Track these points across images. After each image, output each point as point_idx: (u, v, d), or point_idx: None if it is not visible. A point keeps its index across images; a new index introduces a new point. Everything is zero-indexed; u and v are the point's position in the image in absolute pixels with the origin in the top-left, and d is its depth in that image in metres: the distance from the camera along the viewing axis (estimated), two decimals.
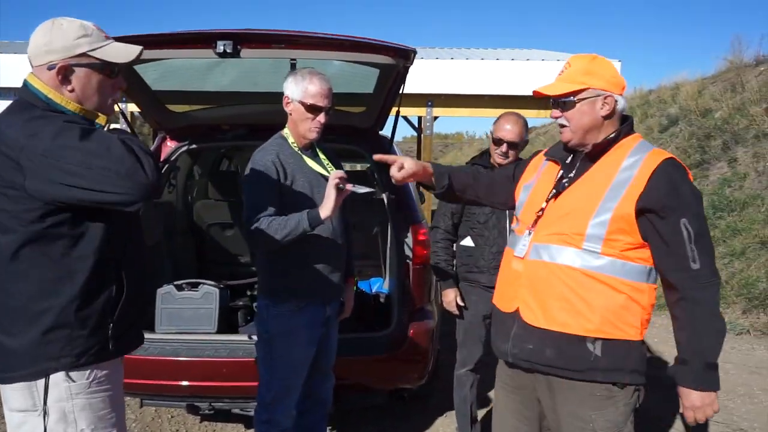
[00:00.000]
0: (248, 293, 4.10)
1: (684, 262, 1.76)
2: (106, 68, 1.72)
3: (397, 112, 3.45)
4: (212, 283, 3.62)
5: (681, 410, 1.84)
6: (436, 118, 9.73)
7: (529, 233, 1.94)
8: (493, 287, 3.16)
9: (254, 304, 3.93)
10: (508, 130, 3.09)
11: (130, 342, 1.85)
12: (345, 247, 2.74)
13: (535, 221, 1.94)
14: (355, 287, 3.33)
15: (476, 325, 3.29)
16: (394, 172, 2.13)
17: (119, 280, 1.73)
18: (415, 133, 12.69)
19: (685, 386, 1.78)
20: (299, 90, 2.48)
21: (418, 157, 12.15)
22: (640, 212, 1.77)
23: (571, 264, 1.82)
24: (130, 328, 1.80)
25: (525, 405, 2.04)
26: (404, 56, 2.76)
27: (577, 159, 1.96)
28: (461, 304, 3.27)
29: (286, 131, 2.61)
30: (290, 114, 2.55)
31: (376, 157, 2.25)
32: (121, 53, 1.73)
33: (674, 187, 1.76)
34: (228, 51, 2.61)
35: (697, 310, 1.77)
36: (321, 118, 2.51)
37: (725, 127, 10.15)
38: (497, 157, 3.15)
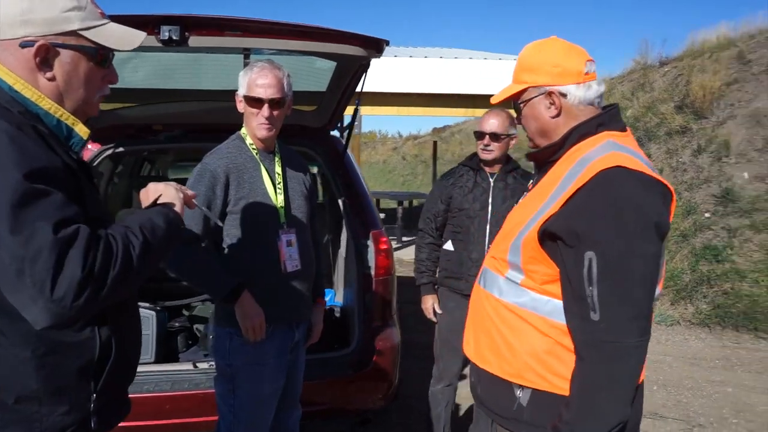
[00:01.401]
0: (185, 312, 3.67)
1: (582, 307, 1.34)
2: (98, 55, 1.32)
3: (355, 111, 3.18)
4: (147, 305, 3.19)
5: None
6: (359, 115, 9.54)
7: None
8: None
9: (194, 326, 3.52)
10: (489, 122, 2.96)
11: (117, 413, 1.45)
12: (314, 264, 2.43)
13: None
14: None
15: (455, 335, 3.08)
16: None
17: (104, 335, 1.33)
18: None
19: None
20: (245, 82, 2.17)
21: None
22: (548, 236, 1.41)
23: (496, 295, 1.55)
24: (117, 395, 1.41)
25: None
26: (375, 47, 2.48)
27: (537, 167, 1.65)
28: (438, 311, 3.10)
29: (243, 131, 2.27)
30: (243, 112, 2.22)
31: None
32: (122, 38, 1.34)
33: (593, 206, 1.34)
34: (174, 38, 2.24)
35: (584, 374, 1.35)
36: (265, 111, 2.14)
37: (637, 125, 10.57)
38: (481, 153, 3.00)
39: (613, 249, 1.31)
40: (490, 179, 3.04)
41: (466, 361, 3.19)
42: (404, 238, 10.61)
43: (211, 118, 3.28)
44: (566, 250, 1.37)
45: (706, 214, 7.51)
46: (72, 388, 1.30)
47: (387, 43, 2.49)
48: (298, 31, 2.38)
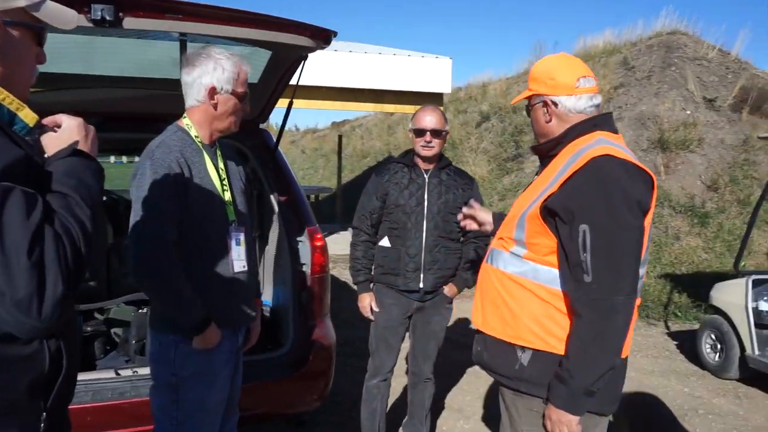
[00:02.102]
0: (98, 316, 3.40)
1: (577, 272, 1.58)
2: (42, 34, 1.22)
3: (289, 104, 3.07)
4: None
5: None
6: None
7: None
8: (411, 291, 3.04)
9: (112, 331, 3.27)
10: (429, 119, 2.95)
11: None
12: (257, 263, 2.32)
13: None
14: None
15: (390, 331, 3.08)
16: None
17: (53, 347, 1.19)
18: None
19: (551, 403, 1.64)
20: (229, 77, 2.01)
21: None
22: (548, 212, 1.65)
23: (502, 268, 1.80)
24: (64, 413, 1.26)
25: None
26: (324, 38, 2.40)
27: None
28: (376, 309, 3.06)
29: (187, 122, 2.09)
30: (214, 107, 2.05)
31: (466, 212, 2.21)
32: (63, 17, 1.22)
33: (585, 187, 1.59)
34: (107, 18, 2.04)
35: (580, 329, 1.59)
36: (247, 106, 2.07)
37: None
38: (422, 150, 2.98)
39: (602, 221, 1.55)
40: (425, 175, 3.05)
41: (400, 357, 3.22)
42: None
43: (131, 107, 3.04)
44: (562, 225, 1.61)
45: None
46: (22, 407, 1.16)
47: (335, 34, 2.42)
48: (244, 17, 2.25)
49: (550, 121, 1.78)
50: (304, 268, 3.09)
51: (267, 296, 3.66)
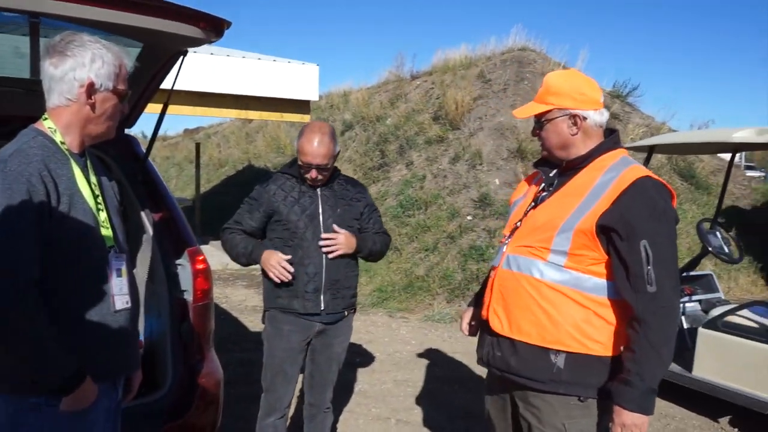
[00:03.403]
0: None
1: (640, 283, 1.73)
2: None
3: (164, 107, 2.65)
4: None
5: (610, 424, 1.82)
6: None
7: (505, 244, 1.99)
8: (311, 314, 2.74)
9: None
10: (316, 153, 2.65)
11: None
12: (138, 297, 1.92)
13: (513, 232, 1.98)
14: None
15: (289, 361, 2.75)
16: None
17: None
18: None
19: (623, 406, 1.74)
20: (110, 71, 1.62)
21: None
22: (602, 229, 1.77)
23: (537, 276, 1.86)
24: None
25: (506, 408, 2.07)
26: (215, 29, 2.05)
27: (556, 173, 1.99)
28: (286, 257, 2.67)
29: (50, 125, 1.65)
30: (91, 107, 1.64)
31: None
32: None
33: (640, 207, 1.75)
34: None
35: (649, 334, 1.73)
36: (126, 107, 1.68)
37: (398, 133, 11.21)
38: (308, 180, 2.74)
39: (659, 237, 1.74)
40: (317, 188, 2.79)
41: (298, 389, 2.91)
42: None
43: None
44: (619, 241, 1.75)
45: (468, 217, 8.21)
46: None
47: (229, 24, 2.08)
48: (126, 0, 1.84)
49: (576, 134, 1.89)
50: (185, 296, 2.68)
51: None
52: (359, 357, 5.32)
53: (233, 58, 8.08)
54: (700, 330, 3.77)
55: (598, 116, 1.90)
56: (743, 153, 17.12)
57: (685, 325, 4.33)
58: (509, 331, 1.90)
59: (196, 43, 2.12)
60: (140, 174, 2.80)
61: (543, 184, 2.01)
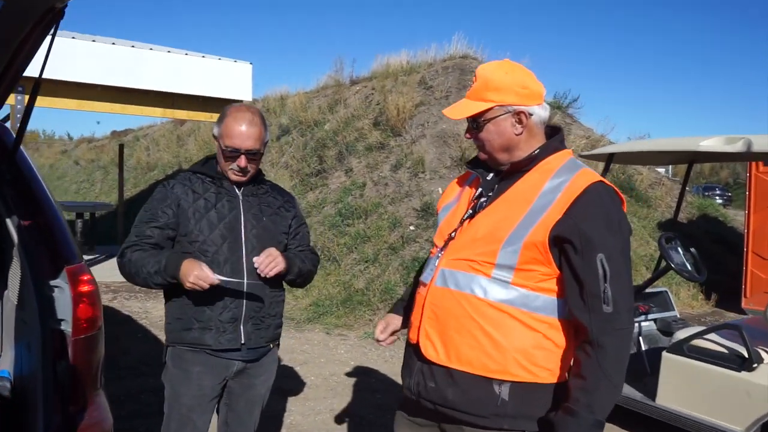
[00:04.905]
0: None
1: (595, 303, 1.54)
2: None
3: (35, 88, 2.08)
4: None
5: None
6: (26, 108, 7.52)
7: (437, 257, 1.74)
8: (227, 350, 2.19)
9: None
10: (245, 135, 2.17)
11: None
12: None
13: (446, 243, 1.73)
14: None
15: (199, 410, 2.22)
16: None
17: None
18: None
19: None
20: None
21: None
22: (555, 241, 1.56)
23: (480, 294, 1.62)
24: None
25: None
26: None
27: (497, 177, 1.75)
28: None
29: None
30: None
31: None
32: None
33: (596, 217, 1.56)
34: None
35: (603, 359, 1.53)
36: None
37: (337, 139, 10.75)
38: (233, 175, 2.22)
39: (615, 251, 1.55)
40: (238, 191, 2.29)
41: None
42: (85, 257, 8.84)
43: None
44: (574, 254, 1.55)
45: (411, 227, 7.82)
46: None
47: None
48: None
49: (521, 133, 1.68)
50: (63, 326, 2.12)
51: (5, 365, 2.55)
52: (291, 382, 4.79)
53: (157, 52, 7.39)
54: (665, 354, 3.47)
55: (543, 112, 1.70)
56: (669, 166, 17.56)
57: (644, 347, 4.04)
58: (446, 360, 1.65)
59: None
60: (8, 171, 2.21)
61: (480, 189, 1.76)
